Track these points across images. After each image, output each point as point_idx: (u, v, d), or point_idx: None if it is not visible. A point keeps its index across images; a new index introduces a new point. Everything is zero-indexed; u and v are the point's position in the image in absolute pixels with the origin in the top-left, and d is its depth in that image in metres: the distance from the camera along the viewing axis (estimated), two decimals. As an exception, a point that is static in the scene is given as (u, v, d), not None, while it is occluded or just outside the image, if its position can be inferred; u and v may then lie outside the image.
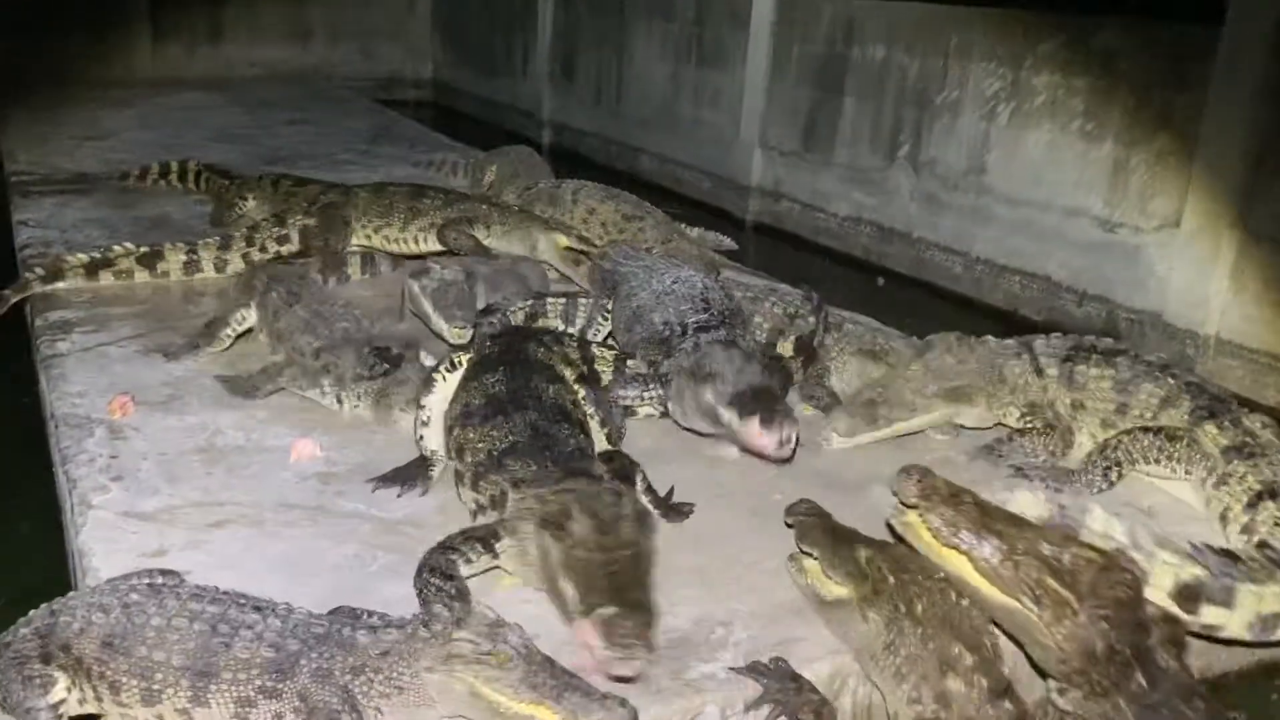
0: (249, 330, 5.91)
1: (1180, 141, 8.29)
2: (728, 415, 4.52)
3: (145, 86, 15.06)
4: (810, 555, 3.81)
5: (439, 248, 7.28)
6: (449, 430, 4.39)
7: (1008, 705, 3.26)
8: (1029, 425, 5.06)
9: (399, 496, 4.50)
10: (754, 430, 4.36)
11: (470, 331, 5.40)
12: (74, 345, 5.96)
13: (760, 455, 4.48)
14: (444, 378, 4.67)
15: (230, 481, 4.62)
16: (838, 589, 3.65)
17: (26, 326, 6.53)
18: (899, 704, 3.35)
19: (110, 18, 16.92)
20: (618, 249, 6.59)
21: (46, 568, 4.78)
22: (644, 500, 4.17)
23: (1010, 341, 5.37)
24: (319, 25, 19.10)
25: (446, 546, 3.80)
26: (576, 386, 4.74)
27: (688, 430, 5.02)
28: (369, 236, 7.43)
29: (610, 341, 5.82)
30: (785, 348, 5.73)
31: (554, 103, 17.14)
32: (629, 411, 5.18)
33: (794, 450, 4.44)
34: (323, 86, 16.41)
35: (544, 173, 9.28)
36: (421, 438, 4.66)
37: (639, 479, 4.28)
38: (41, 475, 5.17)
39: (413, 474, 4.59)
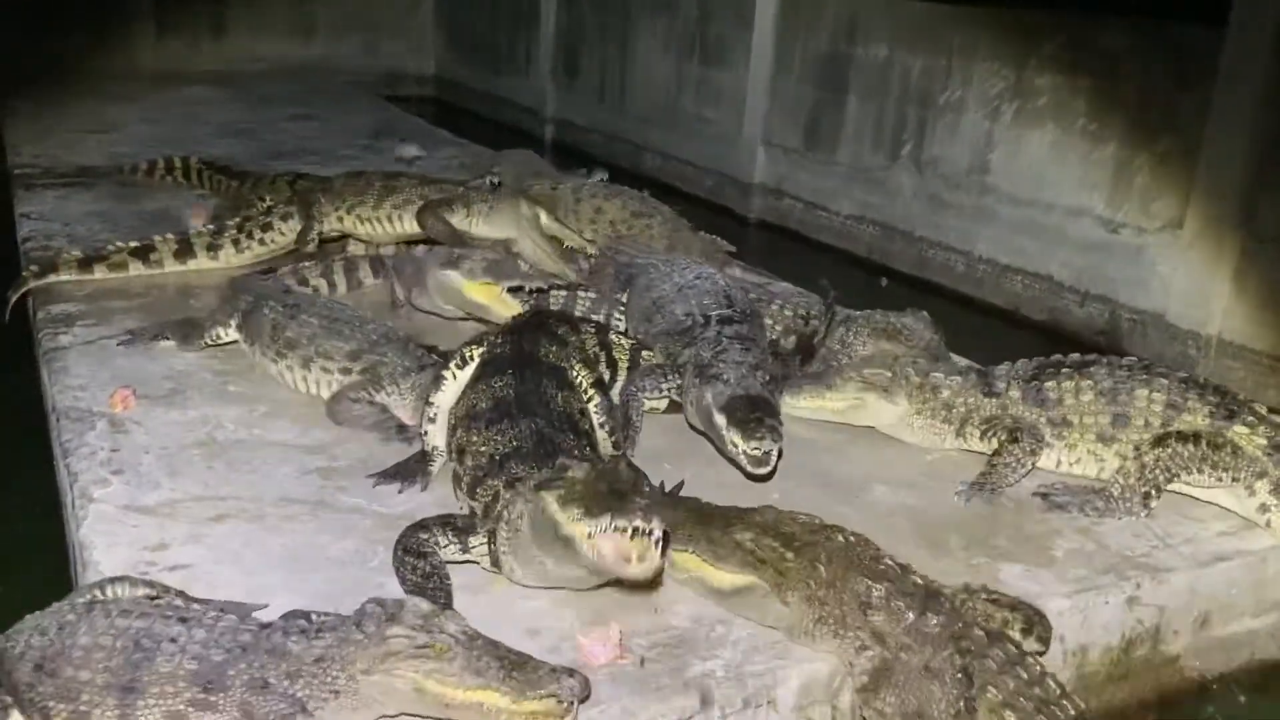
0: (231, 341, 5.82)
1: (1184, 143, 8.29)
2: (720, 419, 4.55)
3: (148, 81, 15.05)
4: (685, 550, 3.81)
5: (413, 230, 7.08)
6: (452, 430, 4.32)
7: (939, 611, 3.38)
8: (996, 439, 4.82)
9: (400, 492, 4.49)
10: (737, 440, 4.42)
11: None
12: (75, 339, 5.96)
13: (739, 468, 4.52)
14: (454, 375, 4.59)
15: (231, 476, 4.63)
16: (736, 578, 3.68)
17: (28, 320, 6.54)
18: (852, 657, 3.43)
19: (114, 12, 16.92)
20: (626, 243, 6.60)
21: (47, 561, 4.79)
22: None
23: (960, 361, 5.31)
24: (322, 20, 19.08)
25: (420, 525, 3.83)
26: (590, 392, 4.64)
27: (692, 428, 5.03)
28: (341, 219, 7.23)
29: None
30: (788, 344, 5.79)
31: (557, 99, 17.13)
32: (645, 404, 5.13)
33: (773, 467, 4.46)
34: (326, 82, 16.39)
35: (548, 175, 9.13)
36: (425, 433, 4.64)
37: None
38: (42, 468, 5.18)
39: (413, 470, 4.58)
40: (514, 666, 2.99)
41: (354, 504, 4.44)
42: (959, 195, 10.32)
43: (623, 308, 6.08)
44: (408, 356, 5.17)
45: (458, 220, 6.94)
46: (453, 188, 7.29)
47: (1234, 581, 4.43)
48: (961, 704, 3.20)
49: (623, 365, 5.28)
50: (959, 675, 3.24)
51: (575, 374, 4.63)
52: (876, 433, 5.33)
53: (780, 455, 4.50)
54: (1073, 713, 3.19)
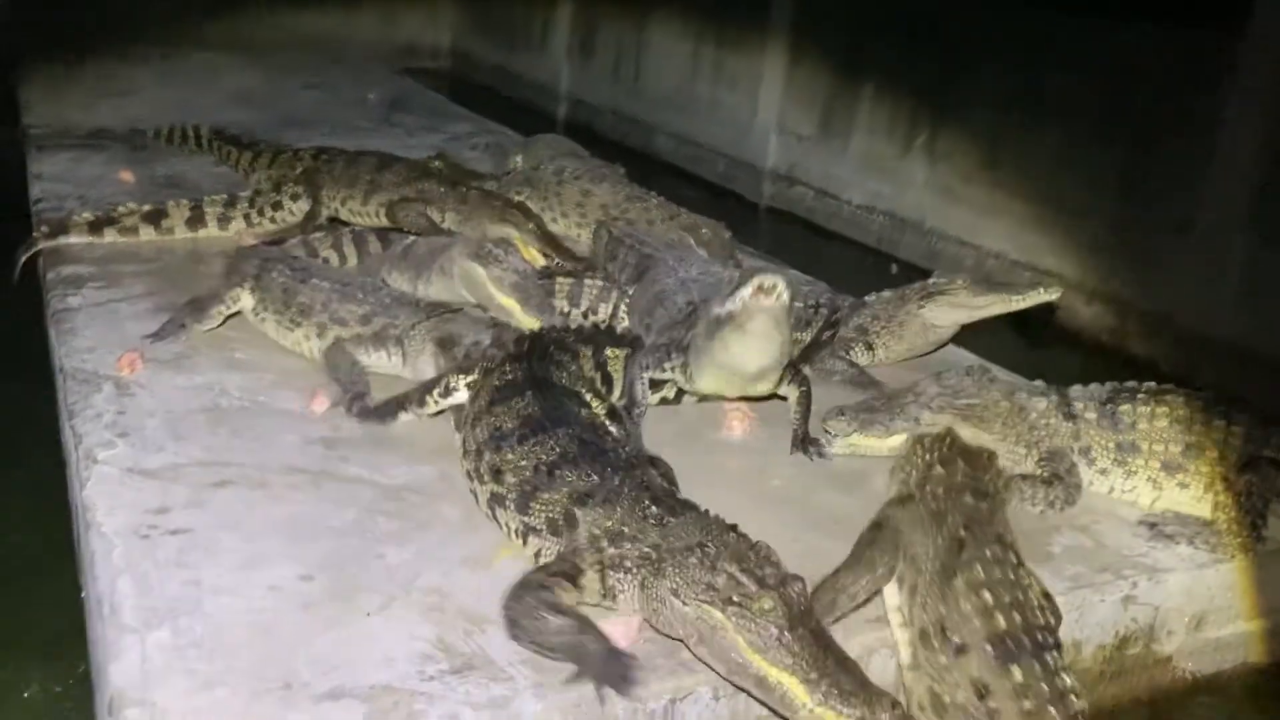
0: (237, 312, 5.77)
1: (1195, 143, 8.25)
2: (725, 296, 4.39)
3: (164, 46, 15.01)
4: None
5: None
6: (476, 454, 4.12)
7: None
8: (1040, 472, 4.67)
9: (360, 422, 4.78)
10: (750, 288, 4.22)
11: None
12: (85, 300, 5.98)
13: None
14: (436, 402, 4.75)
15: (235, 442, 4.65)
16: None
17: (38, 280, 6.56)
18: (961, 605, 3.38)
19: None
20: (638, 231, 6.57)
21: (51, 522, 4.82)
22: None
23: (1038, 383, 5.02)
24: (339, -10, 19.05)
25: (532, 586, 3.47)
26: (606, 422, 4.46)
27: (702, 399, 5.05)
28: (336, 209, 7.40)
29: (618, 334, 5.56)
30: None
31: (572, 77, 17.08)
32: (649, 388, 5.09)
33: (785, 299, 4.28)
34: (340, 53, 16.34)
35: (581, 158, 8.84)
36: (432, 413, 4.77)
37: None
38: (49, 428, 5.21)
39: (384, 413, 4.84)
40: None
41: (356, 474, 4.46)
42: (971, 189, 10.30)
43: (626, 298, 6.00)
44: (418, 316, 5.23)
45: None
46: (434, 187, 7.23)
47: (1230, 585, 4.44)
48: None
49: (619, 379, 5.20)
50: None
51: (589, 401, 4.51)
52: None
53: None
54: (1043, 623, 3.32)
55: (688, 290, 5.43)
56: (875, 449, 4.80)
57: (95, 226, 6.76)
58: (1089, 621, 4.15)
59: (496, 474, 3.95)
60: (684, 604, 3.27)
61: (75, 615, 4.03)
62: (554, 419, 4.05)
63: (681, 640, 3.39)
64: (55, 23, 15.02)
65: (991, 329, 5.63)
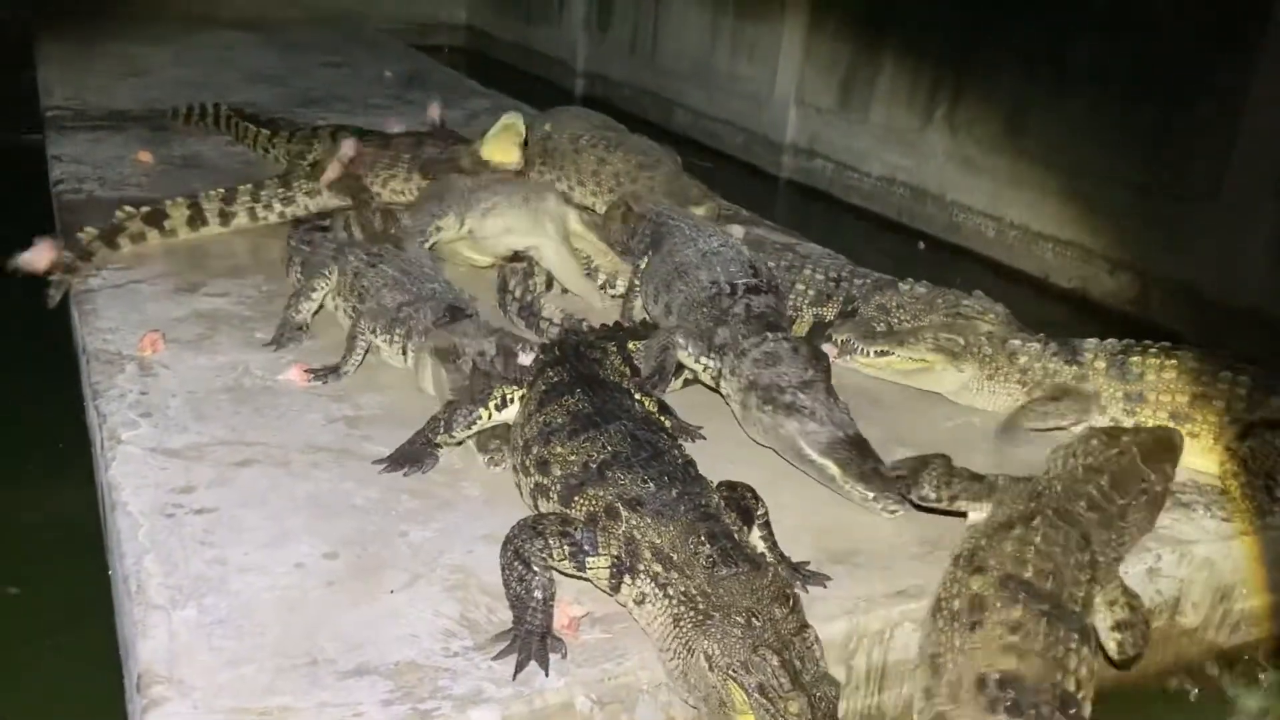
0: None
1: (1223, 107, 8.13)
2: (830, 468, 4.36)
3: (180, 24, 15.01)
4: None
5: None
6: (524, 449, 4.02)
7: None
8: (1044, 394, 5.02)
9: (405, 475, 4.36)
10: (863, 492, 4.23)
11: None
12: (105, 281, 6.01)
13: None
14: (488, 416, 4.42)
15: (258, 421, 4.67)
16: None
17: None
18: (1003, 545, 3.57)
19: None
20: (645, 199, 6.51)
21: (77, 502, 4.87)
22: (760, 543, 3.78)
23: (1041, 336, 5.25)
24: (354, -33, 18.96)
25: (535, 528, 3.48)
26: (660, 417, 4.42)
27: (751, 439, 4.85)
28: (379, 192, 7.12)
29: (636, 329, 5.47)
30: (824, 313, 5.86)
31: (589, 51, 16.99)
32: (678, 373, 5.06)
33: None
34: (357, 30, 16.31)
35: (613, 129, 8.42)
36: (451, 438, 4.50)
37: (758, 517, 3.82)
38: (73, 408, 5.25)
39: (419, 455, 4.45)
40: None
41: (379, 452, 4.46)
42: (992, 159, 10.20)
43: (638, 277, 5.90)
44: (432, 314, 5.10)
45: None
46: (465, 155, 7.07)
47: (1256, 556, 4.40)
48: None
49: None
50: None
51: (637, 398, 4.45)
52: (900, 397, 5.32)
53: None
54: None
55: (710, 265, 5.35)
56: (885, 368, 5.32)
57: (108, 240, 6.36)
58: (1113, 594, 4.13)
59: (543, 465, 3.85)
60: (711, 670, 3.15)
61: (103, 594, 4.08)
62: (605, 414, 3.93)
63: (678, 685, 3.31)
64: (70, 4, 15.05)
65: (1014, 296, 5.60)
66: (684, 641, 3.23)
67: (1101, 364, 5.00)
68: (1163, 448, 4.21)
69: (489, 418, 4.42)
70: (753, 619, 3.13)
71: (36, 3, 14.63)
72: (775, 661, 3.04)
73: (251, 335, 5.47)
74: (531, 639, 3.36)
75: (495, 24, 19.73)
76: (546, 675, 3.28)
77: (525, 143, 7.09)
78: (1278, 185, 7.73)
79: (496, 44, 19.58)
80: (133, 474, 4.19)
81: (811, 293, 5.93)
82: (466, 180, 6.57)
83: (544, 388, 4.20)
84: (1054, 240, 9.66)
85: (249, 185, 6.97)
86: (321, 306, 5.60)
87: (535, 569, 3.42)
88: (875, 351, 5.27)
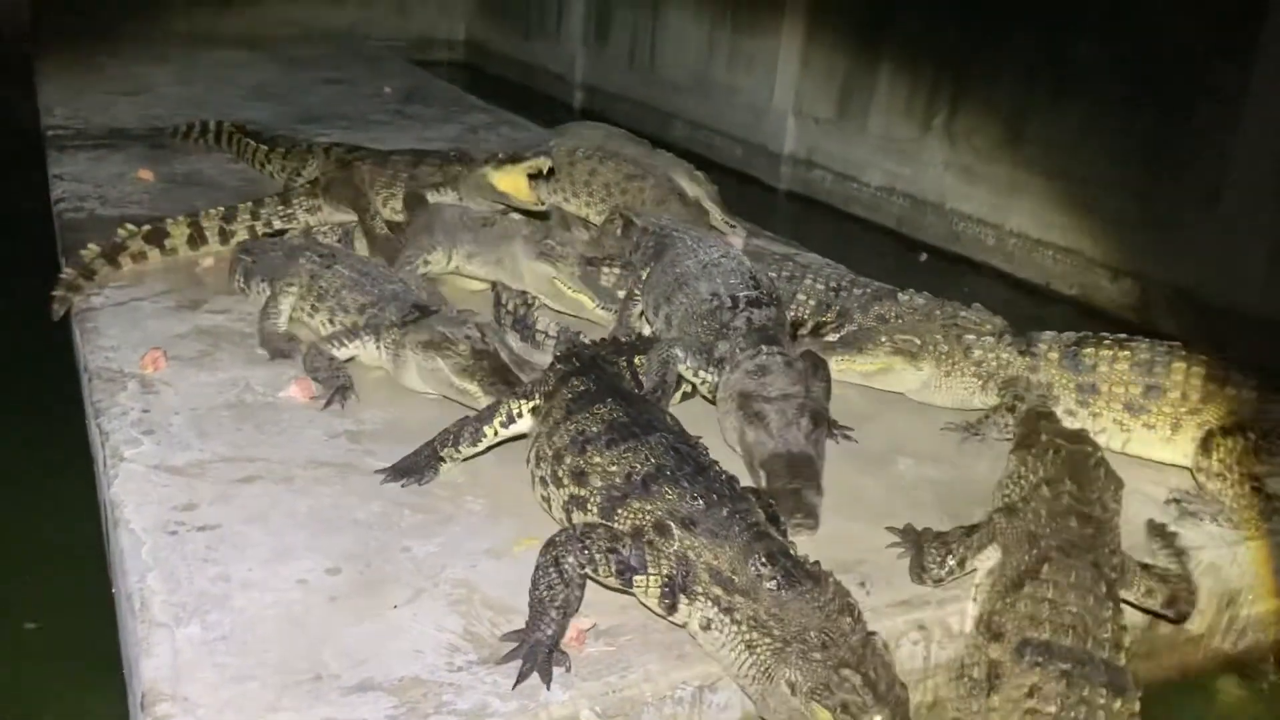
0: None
1: (1222, 113, 8.14)
2: (762, 477, 4.37)
3: (180, 42, 15.07)
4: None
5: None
6: (555, 459, 3.94)
7: None
8: (1003, 400, 5.04)
9: (403, 487, 4.36)
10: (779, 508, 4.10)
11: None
12: (107, 299, 6.02)
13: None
14: (495, 433, 4.42)
15: (259, 437, 4.67)
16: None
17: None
18: (1018, 606, 3.50)
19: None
20: (644, 211, 6.52)
21: (80, 520, 4.87)
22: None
23: (998, 320, 5.36)
24: (353, -16, 19.04)
25: (582, 540, 3.44)
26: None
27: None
28: (379, 210, 7.00)
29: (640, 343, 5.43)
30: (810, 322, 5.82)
31: (587, 65, 17.02)
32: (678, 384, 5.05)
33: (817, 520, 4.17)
34: (356, 46, 16.37)
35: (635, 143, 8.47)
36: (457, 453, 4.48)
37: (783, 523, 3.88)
38: (75, 426, 5.25)
39: (422, 466, 4.44)
40: None
41: (381, 467, 4.46)
42: (991, 168, 10.21)
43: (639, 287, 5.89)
44: (398, 312, 5.23)
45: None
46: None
47: (1262, 560, 4.39)
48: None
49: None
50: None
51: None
52: (899, 406, 5.32)
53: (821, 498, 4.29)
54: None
55: (710, 277, 5.35)
56: (845, 372, 5.33)
57: (110, 258, 6.36)
58: (1119, 601, 4.12)
59: (579, 476, 3.79)
60: (794, 695, 3.14)
61: (106, 612, 4.07)
62: (643, 425, 3.88)
63: (757, 707, 3.32)
64: (72, 23, 15.11)
65: (1013, 305, 5.58)
66: (762, 669, 3.23)
67: (1054, 355, 5.04)
68: (1049, 419, 4.31)
69: (495, 434, 4.42)
70: (827, 639, 3.14)
71: (36, 21, 14.67)
72: (857, 680, 3.05)
73: (252, 352, 5.48)
74: (539, 649, 3.35)
75: (494, 39, 19.78)
76: (548, 689, 3.28)
77: (546, 176, 6.94)
78: (1277, 190, 7.72)
79: (495, 58, 19.63)
80: (135, 491, 4.19)
81: (812, 302, 5.95)
82: (454, 212, 6.58)
83: (570, 396, 4.16)
84: (1054, 247, 9.66)
85: (249, 203, 6.96)
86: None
87: (568, 582, 3.39)
88: (835, 364, 5.21)
